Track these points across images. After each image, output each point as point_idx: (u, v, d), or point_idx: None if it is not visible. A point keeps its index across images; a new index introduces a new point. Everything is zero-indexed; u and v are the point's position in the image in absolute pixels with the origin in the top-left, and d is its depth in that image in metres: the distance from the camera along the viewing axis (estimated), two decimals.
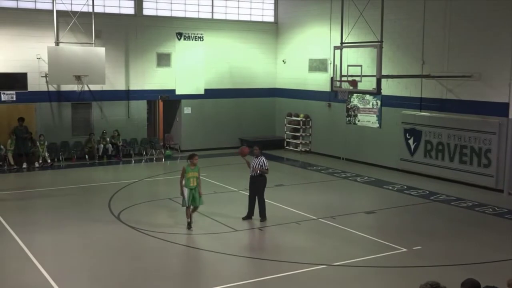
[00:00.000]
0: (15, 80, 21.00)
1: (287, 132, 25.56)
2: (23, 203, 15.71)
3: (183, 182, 13.04)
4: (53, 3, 21.09)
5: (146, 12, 23.61)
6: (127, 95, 23.30)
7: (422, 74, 19.09)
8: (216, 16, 25.18)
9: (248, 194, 14.22)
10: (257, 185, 13.91)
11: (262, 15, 26.34)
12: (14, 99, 21.11)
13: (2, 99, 20.91)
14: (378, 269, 10.84)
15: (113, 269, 10.65)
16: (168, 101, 24.82)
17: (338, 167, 21.24)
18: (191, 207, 13.12)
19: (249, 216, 13.98)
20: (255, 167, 13.83)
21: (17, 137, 20.65)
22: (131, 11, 23.33)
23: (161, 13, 23.96)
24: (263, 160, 13.87)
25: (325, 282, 10.19)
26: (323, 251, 11.93)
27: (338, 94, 20.94)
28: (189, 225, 13.06)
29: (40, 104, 21.62)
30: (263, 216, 13.87)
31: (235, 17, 25.62)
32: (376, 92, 17.66)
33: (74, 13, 21.18)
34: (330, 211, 14.81)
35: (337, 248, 12.11)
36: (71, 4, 21.61)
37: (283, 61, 26.08)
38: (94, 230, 13.12)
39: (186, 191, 12.96)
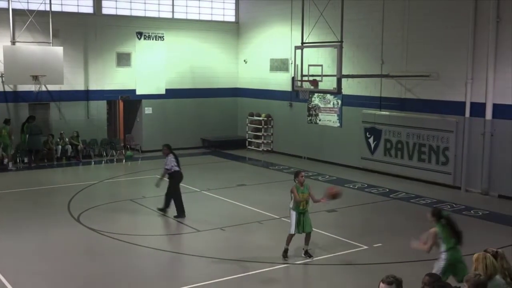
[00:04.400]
0: None
1: (249, 132, 25.57)
2: None
3: (291, 204, 11.21)
4: (8, 1, 20.58)
5: (105, 11, 23.27)
6: (87, 95, 22.92)
7: (381, 74, 19.36)
8: (176, 16, 25.00)
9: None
10: (169, 183, 14.35)
11: (223, 15, 26.28)
12: None
13: None
14: (339, 267, 10.94)
15: (72, 273, 10.46)
16: (128, 101, 24.53)
17: (300, 166, 21.31)
18: (297, 233, 11.23)
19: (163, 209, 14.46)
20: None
21: (29, 135, 20.51)
22: (90, 10, 22.95)
23: (120, 12, 23.65)
24: (166, 159, 14.29)
25: (287, 281, 10.22)
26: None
27: (299, 94, 21.05)
28: (285, 253, 11.22)
29: None
30: (178, 212, 14.17)
31: (196, 17, 25.49)
32: (337, 92, 17.81)
33: (31, 11, 20.72)
34: None
35: (299, 247, 12.15)
36: (28, 2, 21.14)
37: (244, 61, 26.07)
38: (53, 233, 12.87)
39: (293, 216, 11.12)
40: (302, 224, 11.06)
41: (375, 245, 12.10)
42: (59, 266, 10.74)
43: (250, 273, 10.50)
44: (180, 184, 14.51)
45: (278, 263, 10.99)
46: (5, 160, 20.27)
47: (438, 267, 8.74)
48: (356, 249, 11.88)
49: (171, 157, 14.37)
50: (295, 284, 10.18)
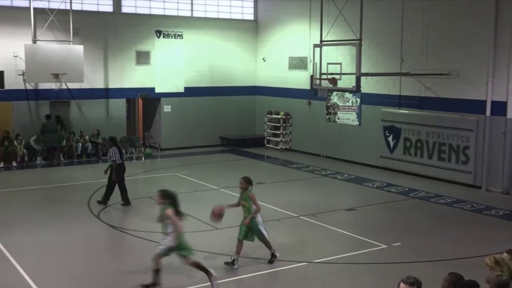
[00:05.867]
0: None
1: (267, 130, 25.57)
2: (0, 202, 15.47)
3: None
4: (29, 0, 20.80)
5: (124, 9, 23.43)
6: (106, 93, 23.11)
7: (401, 72, 19.23)
8: (195, 14, 25.08)
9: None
10: (111, 174, 15.00)
11: (242, 13, 26.30)
12: None
13: None
14: (358, 266, 10.90)
15: (92, 269, 10.56)
16: (147, 100, 24.67)
17: (319, 164, 21.32)
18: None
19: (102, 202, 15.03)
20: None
21: (46, 133, 20.83)
22: (109, 8, 23.13)
23: (140, 10, 23.80)
24: (110, 152, 15.05)
25: (305, 280, 10.21)
26: (304, 249, 11.96)
27: (318, 92, 21.04)
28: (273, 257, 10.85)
29: (17, 102, 21.35)
30: (124, 200, 14.96)
31: (214, 15, 25.54)
32: (356, 90, 17.75)
33: (52, 10, 20.93)
34: (311, 209, 14.85)
35: (318, 246, 12.15)
36: (49, 1, 21.37)
37: (263, 59, 26.08)
38: (74, 229, 12.99)
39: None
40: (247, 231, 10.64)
41: (394, 244, 12.04)
42: (79, 262, 10.85)
43: (269, 271, 10.51)
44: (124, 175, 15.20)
45: (296, 262, 10.99)
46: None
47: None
48: (375, 248, 11.83)
49: (115, 150, 15.01)
50: (313, 282, 10.15)
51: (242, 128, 26.29)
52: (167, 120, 24.65)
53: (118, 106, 23.52)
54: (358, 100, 21.22)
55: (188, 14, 24.95)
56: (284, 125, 24.77)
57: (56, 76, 20.45)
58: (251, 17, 26.48)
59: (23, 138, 20.91)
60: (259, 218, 10.66)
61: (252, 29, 26.29)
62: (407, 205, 15.69)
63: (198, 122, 25.13)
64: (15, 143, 20.77)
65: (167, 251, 9.55)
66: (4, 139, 20.72)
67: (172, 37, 24.33)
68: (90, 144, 22.26)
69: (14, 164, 20.54)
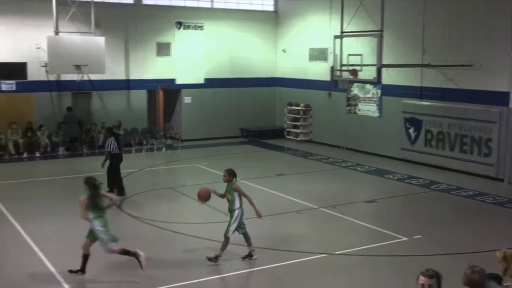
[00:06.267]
0: (15, 70, 20.96)
1: (287, 122, 25.55)
2: (23, 192, 15.63)
3: (238, 204, 10.47)
4: None
5: (145, 1, 23.54)
6: (127, 84, 23.29)
7: (422, 64, 19.06)
8: (216, 5, 25.11)
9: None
10: (109, 164, 15.36)
11: (262, 4, 26.25)
12: (14, 88, 21.08)
13: (2, 89, 20.89)
14: (378, 258, 10.89)
15: (113, 258, 10.67)
16: (168, 91, 24.79)
17: (339, 156, 21.27)
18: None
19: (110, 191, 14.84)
20: None
21: (66, 124, 21.27)
22: (130, 0, 23.25)
23: (160, 2, 23.89)
24: (107, 142, 15.36)
25: (325, 271, 10.24)
26: (324, 240, 11.98)
27: (338, 84, 20.95)
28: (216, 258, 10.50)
29: (40, 94, 21.60)
30: (118, 191, 14.92)
31: (235, 6, 25.54)
32: (377, 81, 17.68)
33: (74, 2, 21.09)
34: (331, 200, 14.85)
35: (338, 237, 12.16)
36: None
37: (283, 50, 26.02)
38: None
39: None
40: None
41: (414, 237, 12.00)
42: (100, 251, 10.94)
43: (288, 262, 10.55)
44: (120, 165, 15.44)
45: (316, 253, 11.01)
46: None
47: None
48: (396, 241, 11.80)
49: (112, 140, 15.33)
50: (333, 274, 10.17)
51: (262, 119, 26.30)
52: (187, 111, 24.75)
53: (139, 97, 23.68)
54: (379, 91, 21.09)
55: (208, 5, 24.98)
56: (304, 116, 24.72)
57: (78, 68, 20.62)
58: (271, 8, 26.41)
59: (46, 129, 21.19)
60: (237, 213, 10.33)
61: (272, 20, 26.23)
62: (428, 197, 15.60)
63: (218, 113, 25.19)
64: (38, 134, 21.06)
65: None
66: (27, 130, 21.02)
67: (192, 29, 24.38)
68: None
69: (37, 154, 20.82)
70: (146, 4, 23.52)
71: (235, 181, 10.51)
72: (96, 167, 19.35)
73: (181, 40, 24.16)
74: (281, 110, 26.00)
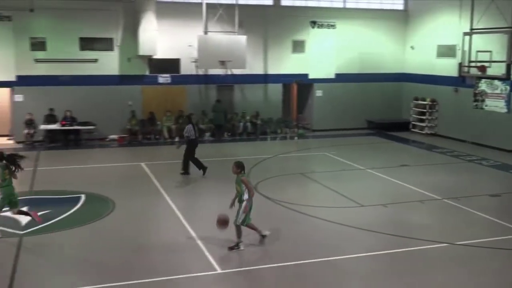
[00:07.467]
0: (170, 65, 22.26)
1: (413, 115, 24.67)
2: (175, 172, 16.26)
3: (246, 195, 10.19)
4: None
5: (283, 2, 23.81)
6: (265, 78, 23.77)
7: None
8: (348, 5, 24.77)
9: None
10: (186, 148, 15.77)
11: (392, 3, 25.46)
12: (169, 81, 22.41)
13: (160, 81, 22.29)
14: (501, 251, 10.23)
15: (249, 232, 11.00)
16: (301, 85, 24.95)
17: (464, 150, 20.18)
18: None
19: (185, 172, 15.79)
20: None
21: (214, 113, 22.52)
22: (270, 1, 23.63)
23: (297, 3, 24.02)
24: (186, 128, 15.65)
25: (446, 260, 9.82)
26: (446, 230, 11.49)
27: (466, 80, 19.89)
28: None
29: (190, 86, 22.73)
30: (200, 168, 15.70)
31: (366, 6, 25.03)
32: (505, 78, 16.49)
33: (221, 5, 21.86)
34: (454, 192, 14.15)
35: (460, 228, 11.59)
36: None
37: (411, 47, 25.10)
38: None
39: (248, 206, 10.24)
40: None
41: None
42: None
43: (408, 249, 10.25)
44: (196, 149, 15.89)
45: (436, 242, 10.59)
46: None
47: None
48: None
49: (190, 127, 15.62)
50: (454, 263, 9.71)
51: (387, 112, 25.62)
52: (318, 103, 24.75)
53: (275, 90, 24.06)
54: (507, 87, 19.64)
55: (341, 5, 24.70)
56: (430, 110, 23.72)
57: (222, 63, 21.38)
58: (400, 7, 25.54)
59: (194, 117, 22.23)
60: (244, 204, 10.05)
61: (401, 18, 25.36)
62: None
63: (347, 106, 24.93)
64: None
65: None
66: (178, 117, 22.20)
67: (325, 27, 24.27)
68: (250, 124, 23.10)
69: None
70: (284, 5, 23.78)
71: (243, 173, 10.18)
72: (237, 151, 20.07)
73: (314, 38, 24.15)
74: (407, 104, 25.13)
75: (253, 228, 10.31)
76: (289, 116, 25.26)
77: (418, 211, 12.79)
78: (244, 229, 10.17)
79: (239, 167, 10.14)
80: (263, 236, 10.44)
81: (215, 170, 16.16)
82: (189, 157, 15.85)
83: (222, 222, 9.95)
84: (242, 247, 10.08)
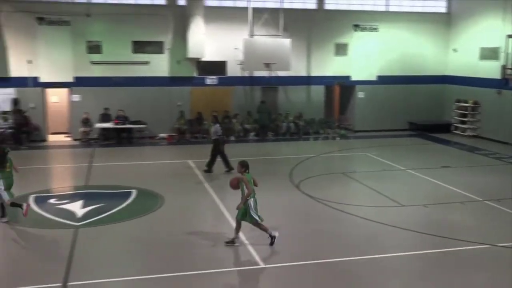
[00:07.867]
0: (217, 67, 22.53)
1: (455, 117, 24.14)
2: (220, 170, 16.33)
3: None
4: (248, 1, 21.98)
5: (326, 6, 23.72)
6: (308, 80, 23.75)
7: None
8: (390, 9, 24.45)
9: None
10: (213, 146, 15.93)
11: (435, 6, 24.99)
12: (216, 82, 22.68)
13: (207, 83, 22.60)
14: None
15: (291, 229, 11.06)
16: (343, 86, 24.79)
17: (507, 152, 19.63)
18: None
19: (208, 170, 15.90)
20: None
21: (259, 113, 22.75)
22: (313, 6, 23.58)
23: (340, 7, 23.87)
24: (214, 128, 15.83)
25: (487, 261, 9.61)
26: (487, 231, 11.23)
27: (509, 82, 19.33)
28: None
29: (236, 87, 22.94)
30: (226, 165, 15.82)
31: (408, 9, 24.64)
32: None
33: (266, 9, 21.97)
34: (496, 194, 13.80)
35: (502, 230, 11.30)
36: (264, 1, 22.46)
37: (454, 50, 24.57)
38: (276, 196, 13.61)
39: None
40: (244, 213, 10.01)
41: None
42: (279, 223, 11.37)
43: (449, 249, 10.08)
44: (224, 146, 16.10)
45: (477, 243, 10.37)
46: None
47: None
48: None
49: (218, 126, 15.85)
50: (495, 265, 9.47)
51: (429, 114, 25.17)
52: (360, 105, 24.55)
53: (318, 92, 24.00)
54: None
55: (383, 9, 24.41)
56: (472, 112, 23.17)
57: (267, 65, 21.47)
58: (443, 10, 25.03)
59: (239, 117, 22.46)
60: (250, 202, 9.93)
61: (444, 21, 24.85)
62: None
63: (388, 107, 24.64)
64: (234, 121, 22.38)
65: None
66: (224, 117, 22.42)
67: (368, 30, 24.05)
68: (293, 124, 23.12)
69: (232, 138, 22.12)
70: (327, 9, 23.68)
71: (248, 172, 10.05)
72: (280, 151, 20.14)
73: (357, 41, 23.97)
74: (449, 106, 24.61)
75: (258, 226, 10.13)
76: (331, 117, 25.15)
77: (459, 212, 12.55)
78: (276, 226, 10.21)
79: (243, 166, 10.06)
80: (272, 237, 10.06)
81: (259, 169, 16.24)
82: (219, 154, 16.02)
83: (235, 186, 10.13)
84: (276, 234, 10.07)
